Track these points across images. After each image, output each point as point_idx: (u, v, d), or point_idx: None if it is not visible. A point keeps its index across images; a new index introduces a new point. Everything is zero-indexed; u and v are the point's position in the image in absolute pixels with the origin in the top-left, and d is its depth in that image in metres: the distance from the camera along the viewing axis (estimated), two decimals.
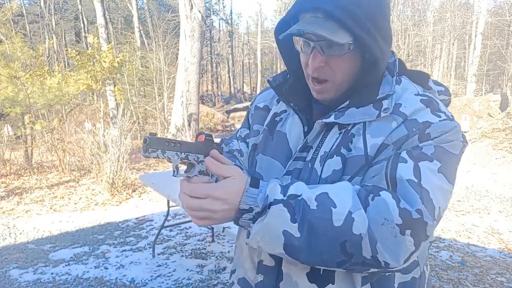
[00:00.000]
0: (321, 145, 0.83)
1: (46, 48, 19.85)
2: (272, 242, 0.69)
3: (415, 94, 0.81)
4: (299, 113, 0.90)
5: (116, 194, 6.19)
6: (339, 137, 0.81)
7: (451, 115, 0.80)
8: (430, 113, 0.77)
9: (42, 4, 26.59)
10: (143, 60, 18.59)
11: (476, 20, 20.57)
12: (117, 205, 5.81)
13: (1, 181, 7.24)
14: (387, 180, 0.72)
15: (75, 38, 31.38)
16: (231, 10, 43.37)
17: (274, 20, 42.55)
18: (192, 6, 10.98)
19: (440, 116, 0.77)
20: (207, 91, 35.10)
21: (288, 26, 0.82)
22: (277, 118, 0.95)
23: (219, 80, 37.51)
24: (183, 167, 0.78)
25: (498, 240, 4.17)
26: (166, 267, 3.50)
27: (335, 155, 0.79)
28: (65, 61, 23.36)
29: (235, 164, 0.98)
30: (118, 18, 30.69)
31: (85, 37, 17.52)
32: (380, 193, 0.70)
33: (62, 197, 6.20)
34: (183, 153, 0.74)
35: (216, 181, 0.81)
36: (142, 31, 24.04)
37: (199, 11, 11.03)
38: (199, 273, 3.38)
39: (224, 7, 39.68)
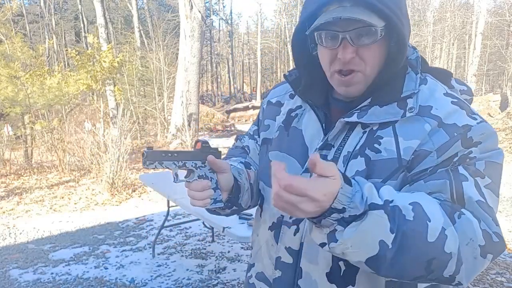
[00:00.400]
0: (344, 145, 0.79)
1: (46, 48, 19.86)
2: (362, 250, 0.62)
3: (444, 94, 0.77)
4: (316, 109, 0.87)
5: (116, 194, 6.19)
6: (362, 136, 0.78)
7: (483, 118, 0.77)
8: (466, 116, 0.73)
9: (42, 4, 26.59)
10: (143, 60, 18.59)
11: (476, 20, 20.58)
12: (117, 205, 5.81)
13: (1, 181, 7.24)
14: (454, 200, 0.68)
15: (75, 38, 31.38)
16: (231, 10, 43.44)
17: (274, 20, 42.57)
18: (192, 6, 10.98)
19: (476, 119, 0.73)
20: (207, 91, 35.11)
21: (305, 28, 0.78)
22: (293, 114, 0.92)
23: (219, 80, 37.53)
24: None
25: None
26: (166, 267, 3.50)
27: (359, 156, 0.76)
28: (65, 61, 23.36)
29: (246, 161, 1.00)
30: (118, 18, 30.69)
31: (85, 37, 17.53)
32: (463, 211, 0.65)
33: (62, 197, 6.20)
34: (180, 162, 0.79)
35: (215, 186, 0.82)
36: (142, 31, 24.03)
37: (199, 11, 11.03)
38: (199, 273, 3.38)
39: (224, 7, 39.70)
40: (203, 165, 0.82)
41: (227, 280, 3.25)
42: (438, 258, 0.62)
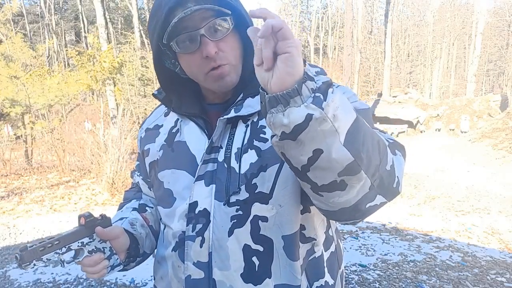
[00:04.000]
0: (232, 143, 0.80)
1: (46, 48, 19.87)
2: (348, 112, 0.58)
3: None
4: (194, 118, 0.86)
5: (116, 194, 6.19)
6: (246, 130, 0.80)
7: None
8: None
9: (42, 4, 26.60)
10: (143, 60, 18.59)
11: (476, 20, 20.58)
12: (117, 205, 5.81)
13: (1, 181, 7.24)
14: None
15: (75, 38, 31.39)
16: None
17: None
18: None
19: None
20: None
21: (159, 50, 0.80)
22: (174, 130, 0.90)
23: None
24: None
25: (498, 240, 4.17)
26: None
27: (249, 149, 0.78)
28: (65, 61, 23.38)
29: (141, 203, 1.00)
30: (118, 18, 30.70)
31: (85, 37, 17.55)
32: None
33: (62, 197, 6.20)
34: (63, 247, 0.76)
35: (110, 253, 0.82)
36: (142, 31, 24.03)
37: None
38: None
39: None
40: (91, 240, 0.79)
41: None
42: (380, 141, 0.63)
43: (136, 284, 3.19)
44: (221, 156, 0.80)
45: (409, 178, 7.42)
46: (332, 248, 0.87)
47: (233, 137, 0.80)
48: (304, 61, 0.69)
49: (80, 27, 27.41)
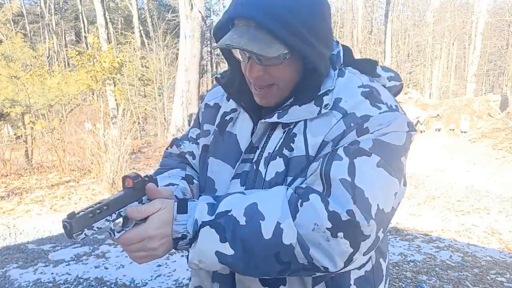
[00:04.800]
0: (266, 146, 0.80)
1: (46, 48, 19.86)
2: (209, 263, 0.70)
3: (358, 86, 0.78)
4: (249, 111, 0.86)
5: None
6: (282, 136, 0.79)
7: (395, 105, 0.77)
8: (369, 106, 0.74)
9: (42, 4, 26.60)
10: (143, 60, 18.60)
11: (476, 20, 20.58)
12: None
13: (1, 181, 7.25)
14: (322, 179, 0.70)
15: (75, 38, 31.38)
16: None
17: None
18: (192, 6, 10.98)
19: (380, 108, 0.74)
20: (207, 91, 35.11)
21: (226, 29, 0.77)
22: (227, 118, 0.90)
23: None
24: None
25: (498, 240, 4.17)
26: (166, 267, 3.50)
27: (277, 157, 0.77)
28: (65, 61, 23.38)
29: (187, 174, 0.95)
30: (118, 18, 30.69)
31: (85, 37, 17.54)
32: (310, 196, 0.68)
33: (62, 197, 6.20)
34: (113, 214, 0.67)
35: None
36: (142, 31, 24.04)
37: (199, 11, 11.04)
38: None
39: (224, 7, 39.70)
40: (140, 204, 0.72)
41: None
42: (282, 251, 0.66)
43: (136, 284, 3.19)
44: (255, 158, 0.81)
45: (409, 178, 7.42)
46: (367, 267, 0.83)
47: (269, 140, 0.80)
48: (376, 64, 0.85)
49: (80, 27, 27.41)
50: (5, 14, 9.13)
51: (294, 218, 0.67)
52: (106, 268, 3.50)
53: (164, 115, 15.34)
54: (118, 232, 0.68)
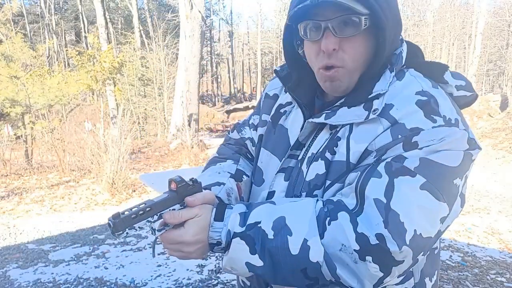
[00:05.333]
0: (311, 145, 0.79)
1: (46, 48, 19.86)
2: (240, 271, 0.72)
3: (415, 93, 0.71)
4: (303, 107, 0.85)
5: (116, 194, 6.19)
6: (328, 138, 0.77)
7: (456, 119, 0.69)
8: (423, 117, 0.67)
9: (42, 4, 26.60)
10: (143, 60, 18.59)
11: (476, 20, 20.58)
12: (117, 205, 5.81)
13: (1, 181, 7.25)
14: (356, 194, 0.67)
15: (75, 38, 31.39)
16: (231, 10, 43.42)
17: (274, 20, 42.58)
18: (192, 6, 10.98)
19: (435, 121, 0.67)
20: (207, 91, 35.14)
21: (292, 25, 0.78)
22: (282, 110, 0.90)
23: (219, 80, 37.52)
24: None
25: (498, 240, 4.17)
26: (166, 267, 3.50)
27: (319, 159, 0.76)
28: (65, 61, 23.38)
29: (238, 168, 0.95)
30: (118, 18, 30.69)
31: (85, 37, 17.54)
32: (338, 215, 0.65)
33: (62, 197, 6.20)
34: (155, 215, 0.71)
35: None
36: (142, 31, 24.04)
37: (199, 11, 11.04)
38: (199, 273, 3.38)
39: (224, 7, 39.70)
40: (182, 207, 0.74)
41: (227, 280, 3.25)
42: (309, 267, 0.65)
43: (136, 284, 3.19)
44: (300, 155, 0.81)
45: None
46: (408, 285, 0.77)
47: (314, 140, 0.80)
48: (446, 68, 0.78)
49: (80, 27, 27.40)
50: (5, 14, 9.12)
51: (321, 236, 0.65)
52: (106, 268, 3.50)
53: (164, 115, 15.34)
54: (159, 231, 0.73)
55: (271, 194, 0.83)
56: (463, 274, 3.23)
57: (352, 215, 0.64)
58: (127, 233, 0.67)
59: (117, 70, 10.49)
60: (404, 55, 0.78)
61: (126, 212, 0.67)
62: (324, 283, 0.67)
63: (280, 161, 0.84)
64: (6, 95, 7.89)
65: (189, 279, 3.27)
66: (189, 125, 10.93)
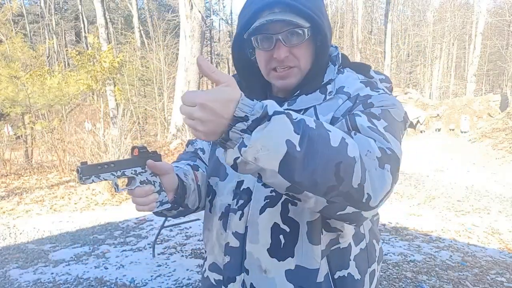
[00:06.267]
0: None
1: (46, 48, 19.85)
2: (272, 151, 0.63)
3: (355, 79, 0.92)
4: None
5: (116, 194, 6.19)
6: None
7: (391, 93, 0.90)
8: (370, 90, 0.87)
9: (42, 4, 26.60)
10: (143, 60, 18.59)
11: (476, 20, 20.58)
12: (117, 205, 5.81)
13: (1, 181, 7.25)
14: (350, 131, 0.76)
15: (75, 38, 31.38)
16: (231, 10, 43.43)
17: None
18: (192, 6, 10.98)
19: (379, 91, 0.87)
20: None
21: (242, 36, 0.90)
22: None
23: None
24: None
25: (498, 240, 4.17)
26: (166, 267, 3.50)
27: None
28: (65, 61, 23.38)
29: (195, 163, 1.03)
30: (118, 18, 30.68)
31: (85, 37, 17.53)
32: (356, 134, 0.75)
33: (62, 197, 6.20)
34: (118, 171, 0.79)
35: (160, 188, 0.85)
36: (142, 31, 24.03)
37: (199, 11, 11.03)
38: (199, 273, 3.38)
39: (224, 7, 39.74)
40: (143, 171, 0.82)
41: None
42: (344, 162, 0.65)
43: (136, 284, 3.19)
44: None
45: (409, 178, 7.42)
46: (362, 245, 0.92)
47: None
48: (370, 67, 0.96)
49: (80, 27, 27.39)
50: (5, 14, 9.12)
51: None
52: (106, 268, 3.50)
53: (164, 115, 15.34)
54: (123, 188, 0.79)
55: (240, 183, 0.91)
56: (463, 274, 3.23)
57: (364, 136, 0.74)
58: (93, 180, 0.75)
59: (117, 70, 10.49)
60: (340, 56, 0.97)
61: (92, 163, 0.75)
62: (343, 189, 0.66)
63: None
64: (6, 95, 7.89)
65: (189, 279, 3.27)
66: None
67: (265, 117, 0.63)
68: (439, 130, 15.23)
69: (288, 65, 0.88)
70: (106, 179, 0.77)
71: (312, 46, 0.90)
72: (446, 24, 26.20)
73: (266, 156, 0.63)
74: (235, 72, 1.03)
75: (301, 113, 0.88)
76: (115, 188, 0.79)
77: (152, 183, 0.83)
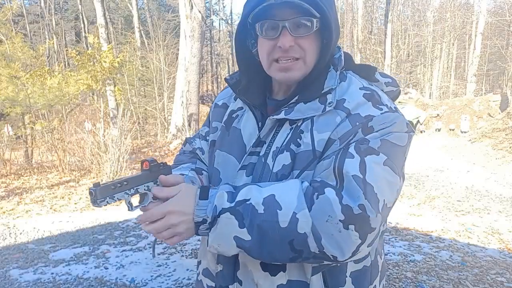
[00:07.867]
0: (274, 141, 0.86)
1: (46, 48, 19.84)
2: (226, 247, 0.75)
3: (359, 88, 0.85)
4: (254, 109, 0.93)
5: None
6: (289, 132, 0.85)
7: (395, 107, 0.84)
8: (372, 107, 0.81)
9: (42, 4, 26.60)
10: (143, 60, 18.60)
11: (476, 20, 20.58)
12: (117, 205, 5.80)
13: (1, 181, 7.25)
14: (335, 175, 0.75)
15: (75, 38, 31.37)
16: (231, 10, 43.41)
17: None
18: (192, 6, 10.98)
19: (381, 109, 0.81)
20: (207, 91, 35.11)
21: (246, 25, 0.86)
22: (234, 115, 0.98)
23: (219, 80, 37.52)
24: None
25: (498, 240, 4.17)
26: (166, 267, 3.50)
27: (285, 151, 0.83)
28: (65, 61, 23.37)
29: (197, 167, 1.04)
30: (118, 18, 30.68)
31: (85, 37, 17.52)
32: (325, 190, 0.73)
33: (62, 197, 6.20)
34: (132, 189, 0.77)
35: None
36: (142, 31, 24.04)
37: (199, 11, 11.03)
38: None
39: (224, 7, 39.73)
40: (155, 185, 0.80)
41: None
42: (296, 239, 0.71)
43: (136, 284, 3.19)
44: (262, 151, 0.88)
45: (409, 178, 7.42)
46: (366, 263, 0.89)
47: (276, 136, 0.87)
48: (375, 70, 0.92)
49: (80, 27, 27.39)
50: (5, 14, 9.11)
51: (310, 209, 0.72)
52: (106, 268, 3.50)
53: (164, 115, 15.34)
54: (136, 206, 0.78)
55: None
56: (463, 274, 3.23)
57: (336, 190, 0.73)
58: (107, 202, 0.73)
59: (117, 70, 10.49)
60: (342, 58, 0.90)
61: (105, 183, 0.73)
62: (307, 256, 0.73)
63: (238, 160, 0.90)
64: (6, 95, 7.88)
65: (189, 279, 3.27)
66: (189, 125, 10.93)
67: (215, 219, 0.74)
68: (439, 130, 15.23)
69: (292, 55, 0.82)
70: (120, 199, 0.75)
71: (318, 42, 0.84)
72: (446, 24, 26.19)
73: (225, 249, 0.76)
74: (236, 70, 1.00)
75: (299, 123, 0.84)
76: (128, 207, 0.77)
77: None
